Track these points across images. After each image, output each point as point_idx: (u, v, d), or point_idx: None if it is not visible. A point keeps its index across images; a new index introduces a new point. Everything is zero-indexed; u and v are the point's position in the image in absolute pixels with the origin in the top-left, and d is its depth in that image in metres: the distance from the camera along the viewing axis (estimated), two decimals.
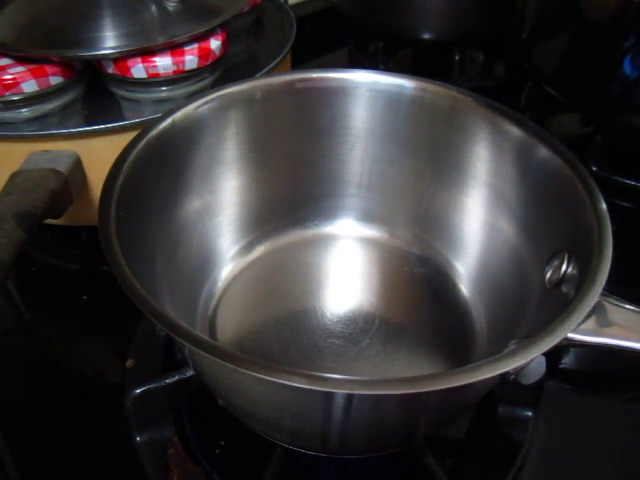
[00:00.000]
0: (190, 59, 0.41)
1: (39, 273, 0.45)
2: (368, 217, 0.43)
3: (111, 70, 0.41)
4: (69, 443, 0.34)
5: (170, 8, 0.42)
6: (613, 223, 0.29)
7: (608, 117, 0.50)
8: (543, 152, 0.33)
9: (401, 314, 0.36)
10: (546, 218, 0.34)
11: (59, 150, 0.39)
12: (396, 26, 0.63)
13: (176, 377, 0.34)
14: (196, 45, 0.42)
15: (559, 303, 0.28)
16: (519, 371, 0.23)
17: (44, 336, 0.41)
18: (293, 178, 0.42)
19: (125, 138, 0.33)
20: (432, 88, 0.38)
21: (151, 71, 0.41)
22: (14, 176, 0.37)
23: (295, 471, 0.33)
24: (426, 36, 0.62)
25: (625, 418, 0.36)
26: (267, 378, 0.22)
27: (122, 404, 0.34)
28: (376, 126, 0.40)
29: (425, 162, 0.40)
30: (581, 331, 0.25)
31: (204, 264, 0.39)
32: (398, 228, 0.42)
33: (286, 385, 0.22)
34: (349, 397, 0.23)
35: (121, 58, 0.40)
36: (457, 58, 0.65)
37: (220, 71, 0.45)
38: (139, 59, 0.40)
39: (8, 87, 0.38)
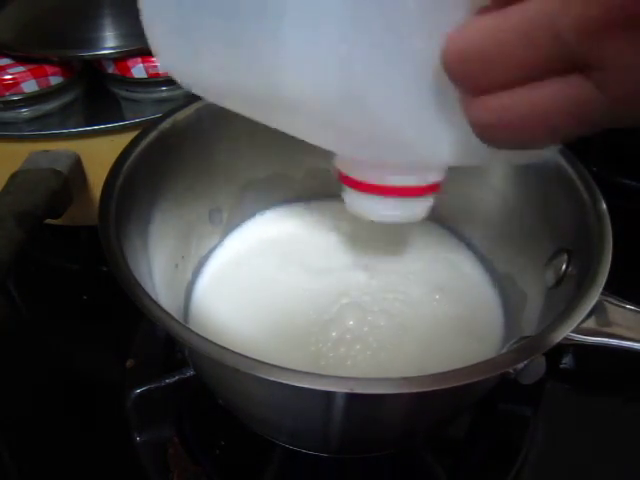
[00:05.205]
0: None
1: (39, 273, 0.45)
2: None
3: (111, 70, 0.41)
4: (69, 443, 0.34)
5: None
6: (613, 223, 0.29)
7: None
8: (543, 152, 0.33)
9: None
10: (546, 218, 0.34)
11: (59, 150, 0.39)
12: None
13: (176, 377, 0.34)
14: None
15: (559, 303, 0.28)
16: (519, 371, 0.23)
17: (44, 336, 0.41)
18: (293, 178, 0.42)
19: (125, 138, 0.33)
20: None
21: (151, 71, 0.41)
22: (14, 176, 0.37)
23: (295, 471, 0.33)
24: None
25: (625, 418, 0.36)
26: (267, 378, 0.22)
27: (122, 404, 0.34)
28: None
29: None
30: (581, 331, 0.25)
31: (203, 264, 0.39)
32: None
33: (286, 385, 0.22)
34: (349, 396, 0.23)
35: (121, 58, 0.40)
36: None
37: None
38: (139, 59, 0.40)
39: (8, 87, 0.38)
